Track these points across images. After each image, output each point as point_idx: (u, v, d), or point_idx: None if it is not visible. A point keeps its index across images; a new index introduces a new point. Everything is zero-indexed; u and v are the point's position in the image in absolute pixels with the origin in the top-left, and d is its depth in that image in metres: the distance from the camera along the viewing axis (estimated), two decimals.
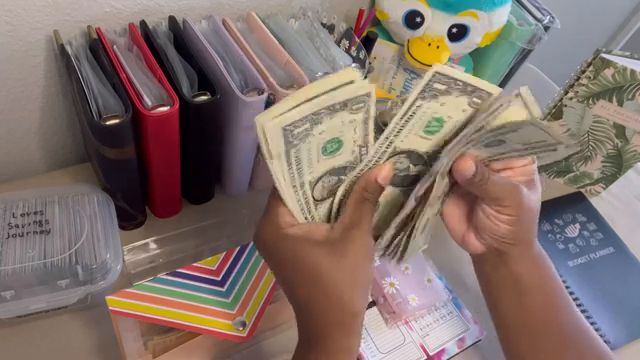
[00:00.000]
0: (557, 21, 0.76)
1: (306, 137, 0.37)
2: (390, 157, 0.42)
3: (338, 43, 0.65)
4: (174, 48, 0.59)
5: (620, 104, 0.74)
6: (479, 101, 0.40)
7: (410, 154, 0.43)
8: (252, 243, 0.55)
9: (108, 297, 0.47)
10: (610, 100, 0.74)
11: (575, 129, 0.80)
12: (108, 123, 0.51)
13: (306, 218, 0.42)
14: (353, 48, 0.64)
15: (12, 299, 0.51)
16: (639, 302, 0.73)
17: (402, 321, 0.64)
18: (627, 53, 0.73)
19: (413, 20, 0.69)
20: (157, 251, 0.64)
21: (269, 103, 0.57)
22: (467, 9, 0.67)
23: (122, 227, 0.65)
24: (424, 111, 0.39)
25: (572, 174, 0.87)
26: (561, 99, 0.78)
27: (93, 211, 0.58)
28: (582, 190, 0.88)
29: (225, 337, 0.50)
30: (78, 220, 0.57)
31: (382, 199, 0.45)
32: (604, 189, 0.87)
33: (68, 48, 0.56)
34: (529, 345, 0.48)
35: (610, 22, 1.62)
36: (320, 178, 0.41)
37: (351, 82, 0.36)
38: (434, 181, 0.42)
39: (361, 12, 0.73)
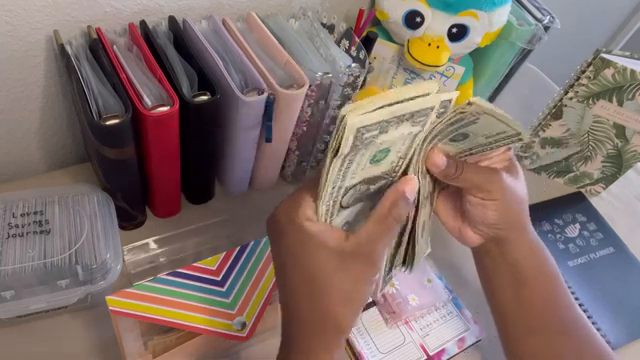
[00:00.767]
0: (557, 21, 0.76)
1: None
2: (346, 193, 0.40)
3: (338, 43, 0.65)
4: (174, 48, 0.59)
5: (620, 104, 0.74)
6: (422, 118, 0.38)
7: (366, 180, 0.41)
8: (252, 243, 0.55)
9: (108, 297, 0.47)
10: (610, 100, 0.74)
11: (575, 129, 0.80)
12: (108, 123, 0.51)
13: (325, 220, 0.40)
14: (353, 48, 0.64)
15: (12, 299, 0.51)
16: (639, 302, 0.73)
17: (402, 321, 0.64)
18: (627, 53, 0.73)
19: (413, 20, 0.69)
20: (157, 251, 0.64)
21: (269, 103, 0.57)
22: (467, 9, 0.67)
23: (122, 227, 0.65)
24: (362, 154, 0.37)
25: (572, 174, 0.87)
26: (561, 99, 0.78)
27: (93, 211, 0.58)
28: (582, 190, 0.88)
29: (225, 337, 0.50)
30: (78, 220, 0.57)
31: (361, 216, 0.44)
32: (604, 189, 0.87)
33: (68, 48, 0.56)
34: (526, 334, 0.49)
35: (610, 22, 1.63)
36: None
37: (427, 94, 0.35)
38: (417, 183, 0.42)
39: (361, 12, 0.73)
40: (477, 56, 0.77)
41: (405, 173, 0.42)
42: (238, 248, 0.55)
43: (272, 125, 0.60)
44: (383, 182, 0.42)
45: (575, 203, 0.86)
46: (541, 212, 0.82)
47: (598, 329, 0.68)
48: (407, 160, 0.41)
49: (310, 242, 0.38)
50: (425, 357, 0.61)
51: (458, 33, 0.69)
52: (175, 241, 0.65)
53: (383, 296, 0.63)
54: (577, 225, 0.82)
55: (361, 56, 0.63)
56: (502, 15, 0.70)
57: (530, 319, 0.48)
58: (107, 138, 0.53)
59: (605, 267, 0.77)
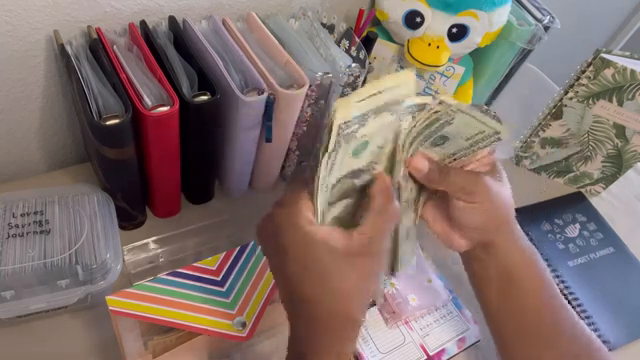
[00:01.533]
0: (557, 21, 0.76)
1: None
2: (333, 188, 0.41)
3: (338, 43, 0.65)
4: (174, 48, 0.59)
5: (620, 104, 0.74)
6: (397, 107, 0.40)
7: (350, 174, 0.42)
8: (252, 243, 0.55)
9: (108, 297, 0.47)
10: (610, 100, 0.74)
11: (575, 129, 0.80)
12: (108, 123, 0.51)
13: (321, 219, 0.41)
14: (353, 48, 0.64)
15: (12, 299, 0.51)
16: (639, 302, 0.73)
17: (402, 321, 0.64)
18: (627, 53, 0.73)
19: (413, 20, 0.69)
20: (157, 251, 0.64)
21: (269, 103, 0.57)
22: (467, 9, 0.67)
23: (122, 227, 0.65)
24: (345, 150, 0.38)
25: (572, 174, 0.87)
26: (561, 99, 0.78)
27: (93, 211, 0.58)
28: (582, 190, 0.88)
29: (225, 337, 0.50)
30: (78, 220, 0.57)
31: (345, 215, 0.44)
32: (604, 189, 0.87)
33: (68, 48, 0.56)
34: (517, 337, 0.49)
35: (610, 22, 1.63)
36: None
37: (403, 83, 0.37)
38: (399, 187, 0.43)
39: (361, 12, 0.73)
40: (477, 56, 0.78)
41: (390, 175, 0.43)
42: (238, 248, 0.55)
43: (272, 125, 0.60)
44: (367, 177, 0.42)
45: (575, 203, 0.86)
46: (541, 212, 0.82)
47: (598, 329, 0.68)
48: (387, 150, 0.42)
49: (318, 247, 0.39)
50: (425, 357, 0.61)
51: (458, 33, 0.69)
52: (175, 241, 0.65)
53: (383, 296, 0.63)
54: (577, 225, 0.82)
55: (361, 56, 0.63)
56: (502, 15, 0.70)
57: (521, 323, 0.48)
58: (107, 138, 0.53)
59: (605, 267, 0.77)
